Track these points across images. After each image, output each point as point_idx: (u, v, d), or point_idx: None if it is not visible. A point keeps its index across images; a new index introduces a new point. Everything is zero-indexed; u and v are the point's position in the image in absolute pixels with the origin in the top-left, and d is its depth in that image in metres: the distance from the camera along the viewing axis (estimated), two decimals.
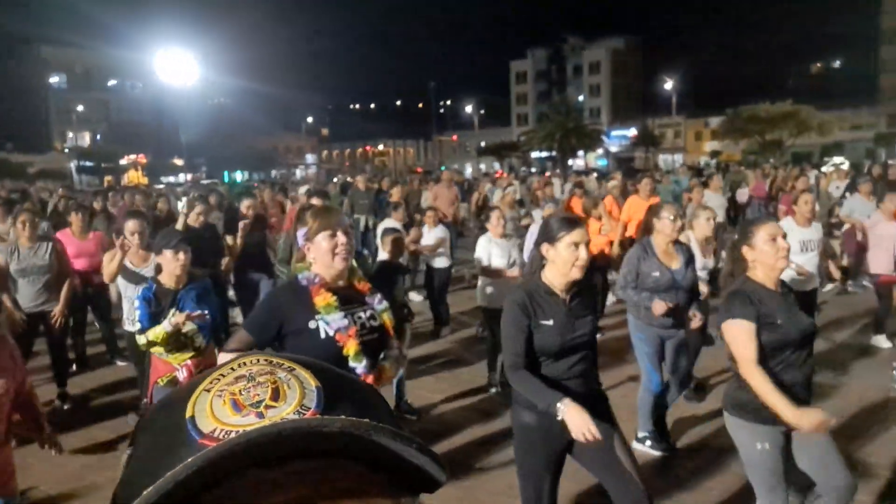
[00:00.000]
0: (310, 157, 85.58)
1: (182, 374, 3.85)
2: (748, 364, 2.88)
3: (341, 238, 2.71)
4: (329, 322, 2.65)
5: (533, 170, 46.21)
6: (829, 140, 52.18)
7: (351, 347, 2.64)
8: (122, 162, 58.84)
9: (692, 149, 66.90)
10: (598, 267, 7.74)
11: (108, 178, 54.10)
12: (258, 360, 0.50)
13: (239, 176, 62.36)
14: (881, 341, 6.91)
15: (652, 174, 13.92)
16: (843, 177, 14.37)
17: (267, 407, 0.44)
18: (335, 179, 22.06)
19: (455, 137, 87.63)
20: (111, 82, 66.51)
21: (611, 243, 8.32)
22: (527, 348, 2.84)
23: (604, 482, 2.96)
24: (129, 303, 4.94)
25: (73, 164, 56.08)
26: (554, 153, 58.21)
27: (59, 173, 47.63)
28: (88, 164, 57.06)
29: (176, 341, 3.86)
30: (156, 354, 3.94)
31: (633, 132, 68.91)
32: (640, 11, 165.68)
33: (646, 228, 4.81)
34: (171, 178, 54.73)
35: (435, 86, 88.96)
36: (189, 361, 3.90)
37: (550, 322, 2.85)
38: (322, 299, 2.69)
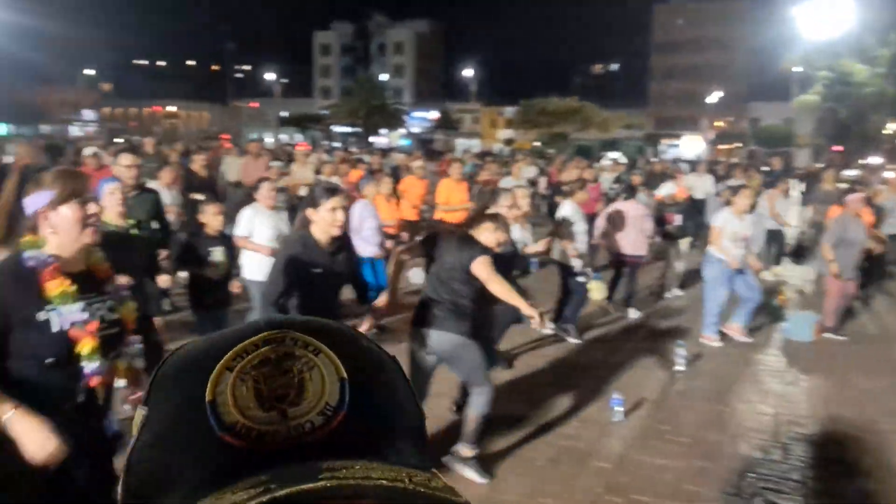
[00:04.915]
0: (88, 114, 77.28)
1: None
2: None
3: (93, 207, 2.35)
4: (63, 314, 2.23)
5: (336, 144, 45.78)
6: (607, 136, 57.70)
7: (87, 345, 2.26)
8: None
9: (487, 135, 70.38)
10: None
11: None
12: (284, 340, 0.44)
13: (2, 128, 54.67)
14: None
15: (454, 157, 14.54)
16: (614, 171, 15.90)
17: (290, 404, 0.41)
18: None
19: (256, 104, 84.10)
20: None
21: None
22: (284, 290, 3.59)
23: None
24: None
25: None
26: (358, 129, 58.19)
27: None
28: None
29: None
30: None
31: (434, 115, 70.82)
32: None
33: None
34: None
35: (232, 49, 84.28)
36: None
37: (320, 270, 3.56)
38: (56, 286, 2.23)
